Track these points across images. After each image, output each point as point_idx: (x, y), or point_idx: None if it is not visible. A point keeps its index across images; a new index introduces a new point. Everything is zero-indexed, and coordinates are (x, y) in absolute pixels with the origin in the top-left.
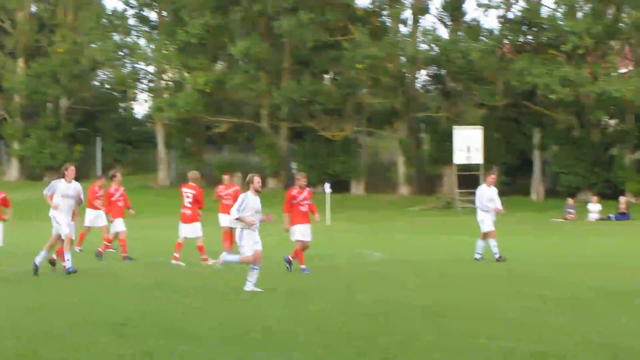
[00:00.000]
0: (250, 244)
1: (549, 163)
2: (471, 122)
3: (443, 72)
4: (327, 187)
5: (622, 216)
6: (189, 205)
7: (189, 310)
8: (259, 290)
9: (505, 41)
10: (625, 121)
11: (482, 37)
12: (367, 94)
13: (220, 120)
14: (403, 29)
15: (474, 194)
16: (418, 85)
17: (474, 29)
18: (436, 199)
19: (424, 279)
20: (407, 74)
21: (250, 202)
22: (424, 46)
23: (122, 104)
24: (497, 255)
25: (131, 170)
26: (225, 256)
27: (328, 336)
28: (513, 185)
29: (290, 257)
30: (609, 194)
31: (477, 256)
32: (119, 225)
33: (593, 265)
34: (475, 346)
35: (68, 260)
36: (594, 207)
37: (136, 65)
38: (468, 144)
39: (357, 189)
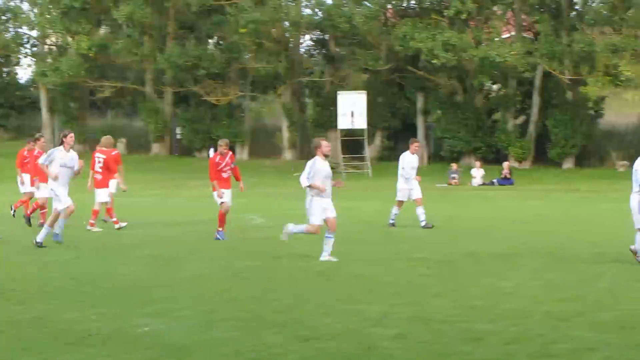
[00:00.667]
0: (319, 212)
1: (432, 128)
2: (355, 86)
3: (327, 36)
4: (212, 152)
5: (505, 181)
6: (100, 170)
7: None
8: (334, 259)
9: (389, 6)
10: (507, 86)
11: (365, 2)
12: (251, 59)
13: (104, 85)
14: None
15: (358, 158)
16: (302, 49)
17: None
18: None
19: (308, 244)
20: (290, 39)
21: (319, 168)
22: (307, 11)
23: (5, 69)
24: (423, 223)
25: (14, 135)
26: (291, 228)
27: (211, 301)
28: (396, 149)
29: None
30: (492, 159)
31: (422, 223)
32: (42, 191)
33: (469, 230)
34: (356, 310)
35: (60, 229)
36: (478, 172)
37: (19, 30)
38: (352, 108)
39: (242, 153)
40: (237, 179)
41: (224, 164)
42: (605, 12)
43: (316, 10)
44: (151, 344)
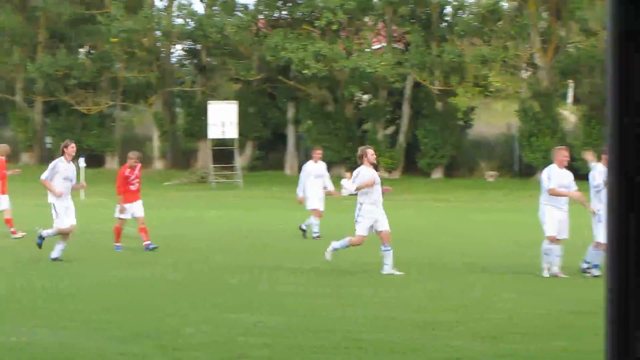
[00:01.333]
0: (367, 223)
1: (303, 138)
2: (226, 96)
3: (198, 46)
4: (82, 162)
5: None
6: None
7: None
8: (398, 272)
9: (261, 16)
10: (378, 97)
11: (237, 12)
12: (122, 68)
13: None
14: (159, 3)
15: (228, 168)
16: (173, 59)
17: (229, 4)
18: (190, 174)
19: (177, 254)
20: (162, 48)
21: (365, 175)
22: (179, 20)
23: None
24: (315, 235)
25: None
26: (335, 244)
27: (71, 311)
28: (267, 159)
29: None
30: None
31: (315, 235)
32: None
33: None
34: (225, 320)
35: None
36: (348, 183)
37: None
38: (223, 118)
39: (112, 163)
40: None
41: (133, 176)
42: (475, 23)
43: (188, 20)
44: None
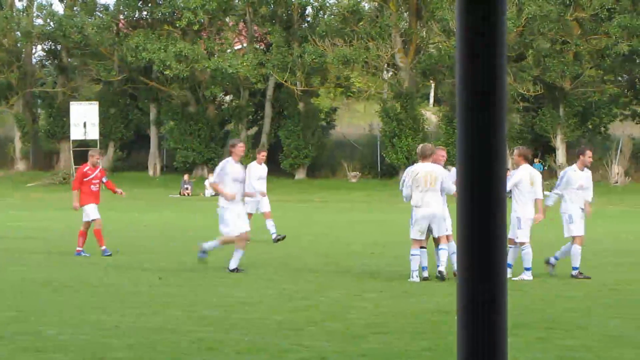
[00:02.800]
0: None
1: (165, 139)
2: (88, 97)
3: (59, 47)
4: None
5: None
6: None
7: None
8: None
9: (121, 17)
10: (240, 97)
11: (97, 13)
12: None
13: None
14: (18, 4)
15: None
16: (34, 60)
17: (90, 5)
18: (52, 175)
19: (42, 255)
20: (22, 49)
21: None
22: (39, 21)
23: None
24: (274, 236)
25: None
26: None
27: None
28: (129, 160)
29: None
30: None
31: (274, 236)
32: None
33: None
34: (88, 321)
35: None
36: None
37: None
38: (84, 119)
39: None
40: (113, 191)
41: (93, 175)
42: (336, 24)
43: (48, 20)
44: None
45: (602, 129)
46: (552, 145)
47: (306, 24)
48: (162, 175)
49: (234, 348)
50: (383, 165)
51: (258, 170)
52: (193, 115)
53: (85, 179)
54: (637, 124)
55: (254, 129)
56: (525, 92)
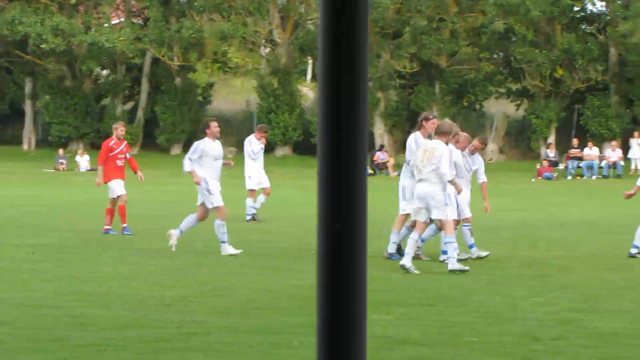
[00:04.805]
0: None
1: (40, 113)
2: None
3: None
4: None
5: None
6: None
7: None
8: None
9: None
10: (116, 72)
11: None
12: None
13: None
14: None
15: None
16: None
17: None
18: None
19: None
20: None
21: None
22: None
23: None
24: (249, 217)
25: None
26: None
27: None
28: (4, 134)
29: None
30: (99, 145)
31: (249, 217)
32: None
33: (90, 213)
34: None
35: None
36: (82, 158)
37: None
38: None
39: None
40: (135, 170)
41: (119, 149)
42: None
43: None
44: None
45: (478, 106)
46: None
47: None
48: (37, 149)
49: (115, 323)
50: None
51: (258, 144)
52: (69, 90)
53: (111, 154)
54: (512, 101)
55: (130, 104)
56: (401, 69)
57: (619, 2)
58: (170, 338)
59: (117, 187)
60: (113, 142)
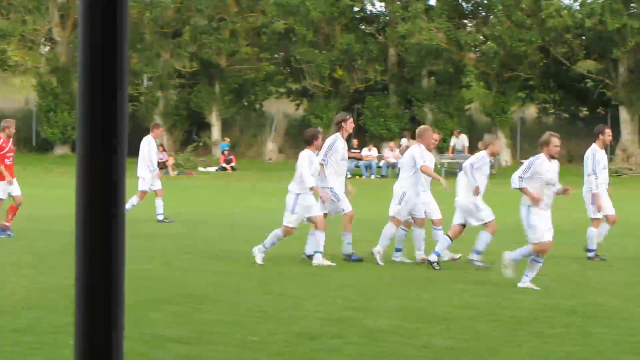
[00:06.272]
0: (542, 228)
1: None
2: None
3: None
4: None
5: None
6: None
7: None
8: (536, 288)
9: None
10: None
11: None
12: None
13: None
14: None
15: None
16: None
17: None
18: None
19: None
20: None
21: (540, 170)
22: None
23: None
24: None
25: None
26: (510, 255)
27: None
28: None
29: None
30: None
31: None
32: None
33: None
34: None
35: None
36: None
37: None
38: None
39: None
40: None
41: (8, 147)
42: None
43: None
44: None
45: (258, 106)
46: (207, 121)
47: None
48: None
49: None
50: (38, 139)
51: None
52: None
53: (1, 153)
54: (292, 101)
55: None
56: (181, 69)
57: (398, 3)
58: None
59: (7, 187)
60: (2, 140)
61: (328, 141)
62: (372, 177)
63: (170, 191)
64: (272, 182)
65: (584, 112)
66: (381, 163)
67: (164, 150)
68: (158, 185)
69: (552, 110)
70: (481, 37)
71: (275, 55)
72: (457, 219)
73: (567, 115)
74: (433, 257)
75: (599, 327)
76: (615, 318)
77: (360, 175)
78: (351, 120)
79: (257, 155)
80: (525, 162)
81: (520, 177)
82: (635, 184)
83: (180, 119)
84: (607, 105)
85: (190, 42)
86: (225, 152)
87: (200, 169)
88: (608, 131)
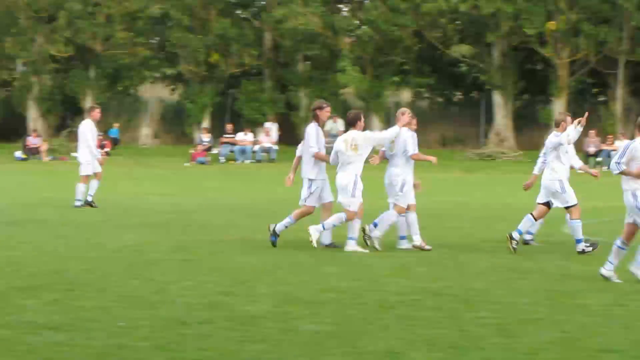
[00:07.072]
0: None
1: None
2: None
3: None
4: None
5: None
6: None
7: None
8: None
9: None
10: None
11: None
12: None
13: None
14: None
15: None
16: None
17: None
18: None
19: None
20: None
21: (635, 154)
22: None
23: None
24: (90, 198)
25: None
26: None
27: None
28: None
29: None
30: None
31: (78, 203)
32: None
33: None
34: None
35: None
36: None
37: None
38: None
39: None
40: None
41: None
42: None
43: None
44: None
45: (132, 90)
46: (82, 106)
47: None
48: None
49: None
50: None
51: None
52: None
53: None
54: (166, 86)
55: None
56: (56, 53)
57: None
58: None
59: None
60: None
61: (311, 131)
62: (247, 161)
63: (43, 177)
64: (148, 167)
65: (458, 96)
66: (256, 147)
67: (38, 135)
68: (98, 169)
69: (426, 95)
70: (356, 22)
71: (151, 40)
72: (541, 198)
73: (441, 100)
74: (515, 235)
75: (466, 310)
76: (482, 301)
77: (235, 160)
78: (328, 108)
79: (131, 141)
80: (620, 147)
81: (617, 163)
82: (508, 167)
83: (54, 104)
84: (481, 89)
85: (65, 26)
86: (111, 139)
87: (74, 154)
88: None
